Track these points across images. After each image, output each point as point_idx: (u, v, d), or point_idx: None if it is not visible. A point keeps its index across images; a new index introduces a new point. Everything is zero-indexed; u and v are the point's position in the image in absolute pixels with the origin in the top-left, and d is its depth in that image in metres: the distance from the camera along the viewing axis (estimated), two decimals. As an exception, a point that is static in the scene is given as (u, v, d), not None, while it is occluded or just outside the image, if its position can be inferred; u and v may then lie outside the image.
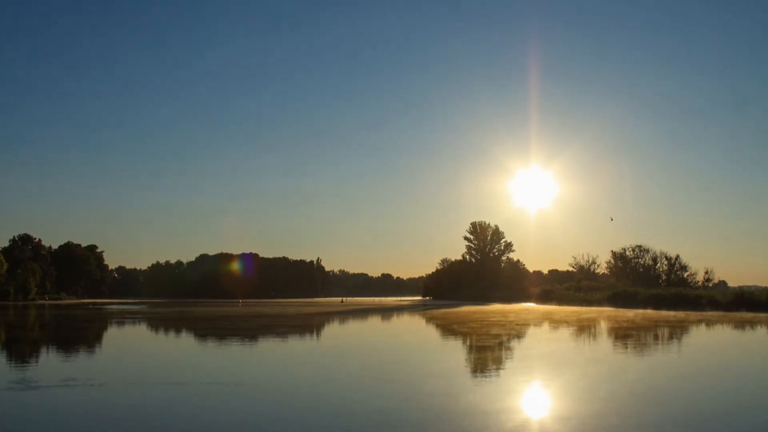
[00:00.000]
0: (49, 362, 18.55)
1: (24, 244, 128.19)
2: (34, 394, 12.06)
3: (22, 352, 21.81)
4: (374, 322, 43.62)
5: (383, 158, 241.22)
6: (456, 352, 22.46)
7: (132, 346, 24.55)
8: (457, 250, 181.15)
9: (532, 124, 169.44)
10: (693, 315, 46.81)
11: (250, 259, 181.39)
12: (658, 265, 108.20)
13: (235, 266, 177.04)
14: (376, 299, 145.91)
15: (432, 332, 33.62)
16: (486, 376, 14.95)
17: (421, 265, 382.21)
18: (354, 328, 37.23)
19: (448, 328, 33.68)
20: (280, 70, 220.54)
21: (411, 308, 72.27)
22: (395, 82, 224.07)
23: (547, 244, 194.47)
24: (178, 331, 32.32)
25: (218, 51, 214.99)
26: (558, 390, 12.87)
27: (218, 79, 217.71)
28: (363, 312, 59.23)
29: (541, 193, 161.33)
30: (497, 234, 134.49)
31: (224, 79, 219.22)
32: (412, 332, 34.52)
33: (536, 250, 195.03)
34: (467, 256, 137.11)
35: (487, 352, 20.91)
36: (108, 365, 17.41)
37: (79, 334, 30.42)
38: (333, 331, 34.09)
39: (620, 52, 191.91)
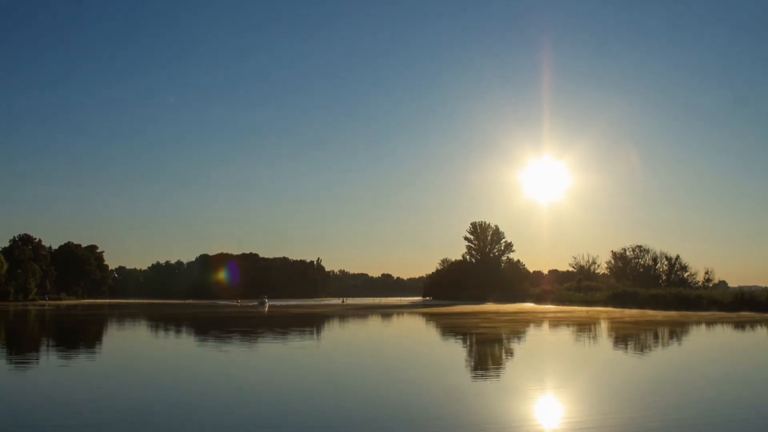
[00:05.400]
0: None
1: (24, 244, 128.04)
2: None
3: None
4: (361, 324, 43.62)
5: (384, 157, 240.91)
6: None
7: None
8: (457, 250, 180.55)
9: (544, 113, 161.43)
10: (693, 315, 46.70)
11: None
12: (658, 265, 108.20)
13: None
14: (376, 300, 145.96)
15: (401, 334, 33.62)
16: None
17: (422, 265, 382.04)
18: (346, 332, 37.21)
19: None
20: (282, 68, 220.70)
21: (407, 308, 72.47)
22: (397, 79, 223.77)
23: (560, 238, 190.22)
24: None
25: (218, 51, 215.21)
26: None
27: (219, 80, 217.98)
28: (360, 313, 59.24)
29: (554, 185, 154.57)
30: (497, 234, 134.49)
31: (225, 79, 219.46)
32: (397, 335, 34.56)
33: (550, 243, 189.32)
34: (467, 257, 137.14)
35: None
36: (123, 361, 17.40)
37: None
38: (330, 333, 34.06)
39: (631, 44, 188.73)
